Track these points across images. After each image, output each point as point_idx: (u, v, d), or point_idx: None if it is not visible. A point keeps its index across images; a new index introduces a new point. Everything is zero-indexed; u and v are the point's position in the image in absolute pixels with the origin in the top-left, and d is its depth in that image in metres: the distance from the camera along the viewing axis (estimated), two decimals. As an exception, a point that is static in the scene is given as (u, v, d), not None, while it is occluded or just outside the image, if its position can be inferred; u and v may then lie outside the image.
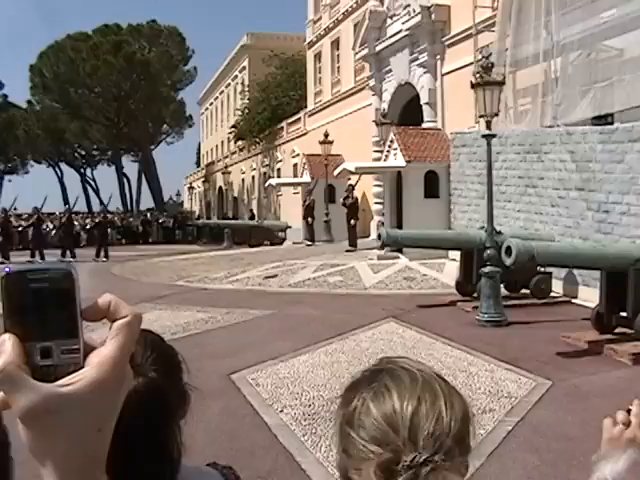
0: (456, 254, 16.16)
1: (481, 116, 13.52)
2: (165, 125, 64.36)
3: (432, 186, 20.99)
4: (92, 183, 74.24)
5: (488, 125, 13.04)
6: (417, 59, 24.47)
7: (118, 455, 1.51)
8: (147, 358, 1.56)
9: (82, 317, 0.69)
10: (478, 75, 13.12)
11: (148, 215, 51.92)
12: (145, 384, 1.51)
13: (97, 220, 36.75)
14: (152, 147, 62.63)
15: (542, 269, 13.58)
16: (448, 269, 17.58)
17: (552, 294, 14.28)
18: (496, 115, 13.26)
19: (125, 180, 67.64)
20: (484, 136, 13.06)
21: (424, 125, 23.63)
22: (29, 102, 66.25)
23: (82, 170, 73.37)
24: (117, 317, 0.70)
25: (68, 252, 31.68)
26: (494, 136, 13.22)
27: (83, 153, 70.96)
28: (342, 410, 1.25)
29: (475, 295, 13.62)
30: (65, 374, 0.66)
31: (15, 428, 0.95)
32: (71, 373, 0.67)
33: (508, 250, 10.61)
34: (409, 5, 24.22)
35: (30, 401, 0.64)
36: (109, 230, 46.21)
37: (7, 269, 0.67)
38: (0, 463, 1.06)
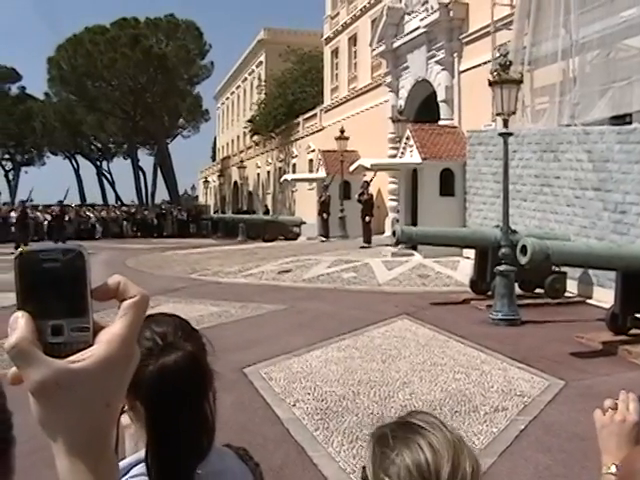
0: (470, 252, 16.14)
1: (498, 114, 13.46)
2: (181, 119, 64.42)
3: (447, 184, 20.94)
4: (108, 176, 74.63)
5: (505, 123, 12.99)
6: (434, 56, 24.39)
7: (164, 424, 1.56)
8: (178, 337, 1.62)
9: (92, 296, 0.71)
10: (496, 73, 13.09)
11: (163, 208, 52.08)
12: (184, 356, 1.59)
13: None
14: (168, 141, 62.71)
15: (557, 269, 13.54)
16: (462, 267, 17.55)
17: (567, 294, 14.23)
18: (513, 113, 13.22)
19: (141, 173, 67.82)
20: (501, 134, 13.02)
21: (440, 122, 23.55)
22: (46, 94, 66.50)
23: (98, 163, 73.68)
24: (126, 297, 0.72)
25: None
26: (511, 134, 13.18)
27: (99, 146, 71.22)
28: (377, 458, 1.44)
29: (489, 293, 13.61)
30: (75, 351, 0.69)
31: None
32: (81, 350, 0.69)
33: (523, 249, 10.59)
34: (427, 2, 24.15)
35: (42, 376, 0.66)
36: (125, 223, 46.59)
37: (20, 249, 0.70)
38: (3, 443, 1.07)
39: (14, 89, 72.92)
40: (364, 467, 1.47)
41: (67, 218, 41.93)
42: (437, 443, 1.39)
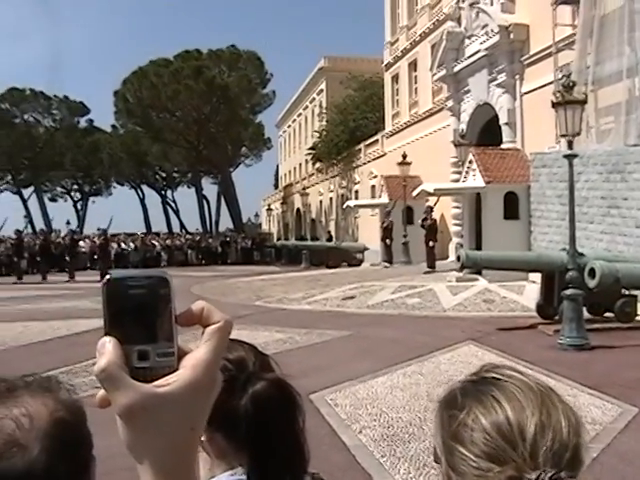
0: (536, 276, 15.88)
1: (562, 135, 13.31)
2: (244, 147, 65.11)
3: (512, 207, 20.73)
4: (173, 204, 75.89)
5: (570, 145, 12.83)
6: (496, 79, 24.26)
7: (264, 454, 1.57)
8: (254, 363, 1.64)
9: (177, 322, 0.73)
10: (559, 94, 12.94)
11: (227, 236, 52.65)
12: (273, 385, 1.59)
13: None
14: (231, 169, 63.45)
15: (627, 292, 13.24)
16: (528, 291, 17.28)
17: (638, 318, 13.88)
18: (578, 134, 13.04)
19: (205, 202, 68.77)
20: (566, 156, 12.85)
21: (503, 146, 23.38)
22: (113, 126, 68.39)
23: (163, 192, 75.03)
24: (209, 322, 0.74)
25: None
26: (576, 156, 12.99)
27: (164, 175, 72.60)
28: (445, 424, 1.15)
29: (557, 318, 13.35)
30: (160, 376, 0.71)
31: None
32: (166, 375, 0.71)
33: (591, 272, 10.42)
34: (487, 25, 24.09)
35: (129, 399, 0.69)
36: (189, 251, 47.21)
37: (108, 276, 0.72)
38: (83, 461, 1.12)
39: (83, 122, 75.25)
40: (435, 447, 1.19)
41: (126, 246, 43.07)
42: (518, 394, 1.11)
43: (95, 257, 37.90)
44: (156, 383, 0.70)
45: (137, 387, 0.69)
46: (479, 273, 19.33)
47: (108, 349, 0.70)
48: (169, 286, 0.73)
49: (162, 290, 0.72)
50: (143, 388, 0.69)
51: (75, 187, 78.63)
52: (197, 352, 0.72)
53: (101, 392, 0.71)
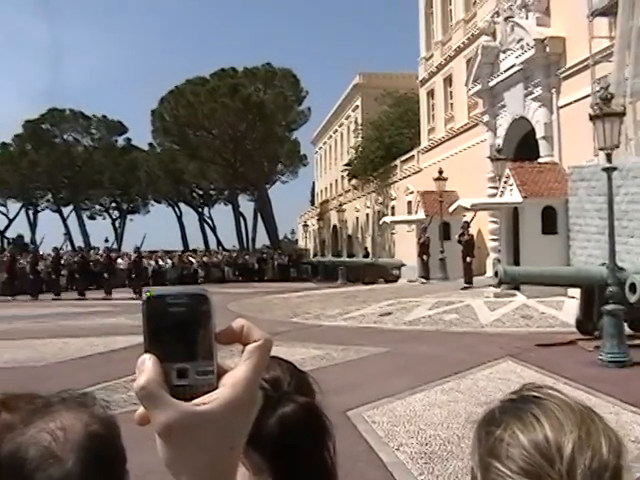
0: (575, 291, 15.69)
1: (601, 149, 13.18)
2: (280, 164, 65.36)
3: (550, 222, 20.54)
4: (209, 222, 76.43)
5: (608, 158, 12.69)
6: (532, 93, 24.12)
7: (289, 477, 1.56)
8: (289, 383, 1.63)
9: (216, 340, 0.72)
10: (597, 107, 12.83)
11: (264, 253, 52.87)
12: (303, 408, 1.58)
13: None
14: (267, 186, 63.72)
15: (669, 307, 13.01)
16: (567, 307, 17.07)
17: (680, 333, 13.64)
18: (616, 147, 12.90)
19: (241, 218, 69.15)
20: (604, 169, 12.71)
21: (540, 160, 23.19)
22: (150, 144, 69.14)
23: (200, 209, 75.61)
24: (249, 340, 0.73)
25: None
26: (615, 169, 12.84)
27: (201, 193, 73.11)
28: (482, 441, 1.13)
29: (597, 334, 13.15)
30: (200, 394, 0.70)
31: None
32: (205, 393, 0.70)
33: (632, 287, 10.27)
34: (522, 39, 23.98)
35: (168, 418, 0.68)
36: (226, 268, 47.45)
37: (148, 293, 0.72)
38: (117, 475, 1.15)
39: (121, 141, 76.23)
40: (472, 467, 1.16)
41: (145, 264, 43.47)
42: (557, 412, 1.08)
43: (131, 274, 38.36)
44: (195, 401, 0.70)
45: (176, 405, 0.69)
46: (517, 289, 19.15)
47: (148, 367, 0.70)
48: (209, 303, 0.72)
49: (202, 307, 0.72)
50: (182, 406, 0.69)
51: (113, 205, 79.64)
52: (237, 370, 0.72)
53: (140, 409, 0.70)
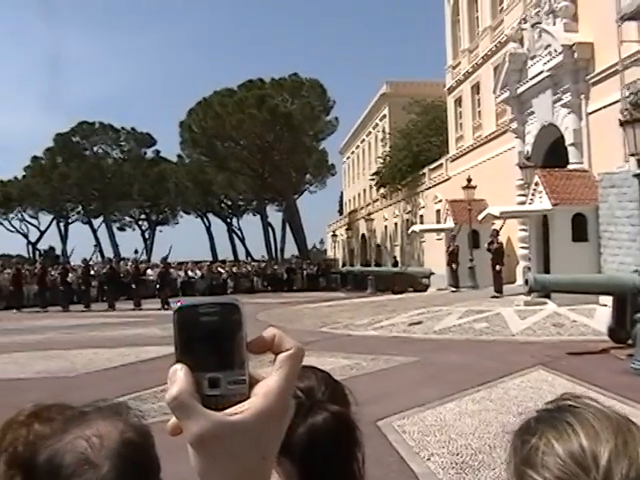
0: (607, 299, 15.51)
1: (632, 155, 13.07)
2: (308, 174, 65.53)
3: (580, 229, 20.36)
4: (238, 232, 76.79)
5: (639, 164, 12.57)
6: (560, 99, 23.95)
7: None
8: (323, 393, 1.63)
9: (248, 349, 0.72)
10: (627, 112, 12.75)
11: (293, 263, 52.97)
12: (332, 417, 1.58)
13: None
14: (296, 196, 63.87)
15: (703, 314, 12.82)
16: (599, 315, 16.88)
17: None
18: (647, 153, 12.78)
19: (270, 229, 69.41)
20: (635, 175, 12.61)
21: (570, 167, 23.01)
22: (179, 156, 69.70)
23: (228, 220, 75.98)
24: (281, 350, 0.73)
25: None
26: (646, 175, 12.72)
27: (229, 203, 73.59)
28: (517, 450, 1.12)
29: (630, 342, 13.00)
30: (231, 404, 0.70)
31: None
32: (237, 403, 0.70)
33: (665, 294, 10.13)
34: (550, 45, 23.84)
35: (201, 428, 0.68)
36: (255, 278, 47.56)
37: (179, 303, 0.73)
38: None
39: (149, 153, 77.03)
40: (507, 478, 1.15)
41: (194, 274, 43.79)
42: (593, 421, 1.06)
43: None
44: (227, 411, 0.69)
45: (209, 415, 0.68)
46: (548, 297, 18.99)
47: (179, 377, 0.70)
48: (240, 313, 0.72)
49: (233, 317, 0.72)
50: (215, 416, 0.69)
51: (143, 216, 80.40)
52: (269, 380, 0.72)
53: (172, 420, 0.70)
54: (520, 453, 1.10)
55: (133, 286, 35.49)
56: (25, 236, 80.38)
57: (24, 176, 74.48)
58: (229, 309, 0.72)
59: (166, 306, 31.06)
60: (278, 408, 0.71)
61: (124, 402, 1.21)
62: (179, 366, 0.71)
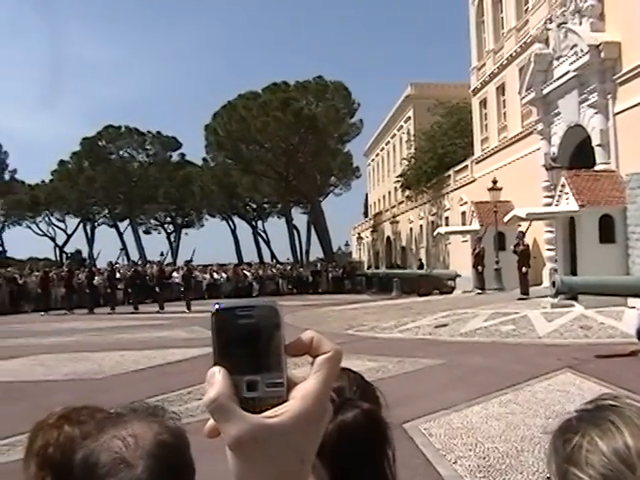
0: (636, 301, 15.35)
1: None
2: (333, 177, 65.61)
3: (607, 230, 20.19)
4: (263, 235, 76.99)
5: (667, 165, 12.45)
6: (587, 100, 23.76)
7: None
8: (354, 392, 1.64)
9: (286, 352, 0.72)
10: (654, 113, 12.60)
11: (318, 265, 53.00)
12: (362, 414, 1.59)
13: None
14: (320, 199, 63.94)
15: None
16: (628, 317, 16.67)
17: None
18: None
19: (295, 231, 69.53)
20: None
21: (597, 167, 22.83)
22: (204, 159, 70.14)
23: (254, 222, 76.23)
24: (319, 352, 0.73)
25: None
26: (674, 176, 12.59)
27: (254, 206, 73.86)
28: (559, 449, 1.12)
29: (659, 344, 12.87)
30: (269, 407, 0.70)
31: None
32: (275, 406, 0.70)
33: (694, 296, 10.02)
34: (576, 45, 23.67)
35: (239, 431, 0.68)
36: (280, 281, 47.65)
37: (217, 306, 0.72)
38: None
39: (175, 156, 77.45)
40: (548, 477, 1.15)
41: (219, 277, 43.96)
42: (636, 419, 1.07)
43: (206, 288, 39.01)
44: (266, 414, 0.69)
45: (247, 418, 0.68)
46: (575, 299, 18.85)
47: (218, 379, 0.70)
48: (278, 315, 0.72)
49: (271, 320, 0.72)
50: (253, 419, 0.68)
51: (168, 219, 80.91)
52: (307, 383, 0.71)
53: (210, 422, 0.70)
54: (563, 452, 1.10)
55: (157, 289, 35.71)
56: (53, 239, 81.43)
57: (51, 180, 75.37)
58: (267, 311, 0.72)
59: (190, 308, 31.27)
60: (316, 411, 0.71)
61: (160, 405, 1.22)
62: (217, 369, 0.71)
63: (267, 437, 0.68)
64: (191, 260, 40.02)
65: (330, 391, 0.73)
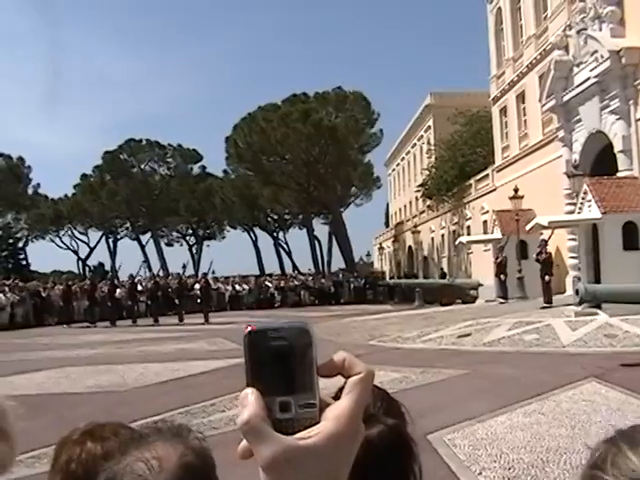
0: (662, 309, 15.24)
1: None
2: (353, 187, 65.62)
3: (631, 237, 20.06)
4: (285, 246, 77.09)
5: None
6: (608, 106, 23.64)
7: None
8: (379, 408, 1.64)
9: (318, 373, 0.72)
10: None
11: (340, 276, 52.99)
12: (387, 430, 1.58)
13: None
14: (341, 209, 63.99)
15: None
16: (653, 325, 16.57)
17: None
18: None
19: (316, 242, 69.56)
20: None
21: (619, 174, 22.68)
22: (225, 171, 70.47)
23: (275, 234, 76.37)
24: (351, 373, 0.72)
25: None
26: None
27: (275, 217, 73.98)
28: (588, 459, 1.10)
29: (686, 352, 12.74)
30: (302, 428, 0.70)
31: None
32: (308, 427, 0.70)
33: None
34: (596, 51, 23.57)
35: (272, 452, 0.68)
36: (302, 292, 47.63)
37: (249, 327, 0.72)
38: None
39: (196, 169, 77.83)
40: None
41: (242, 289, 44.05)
42: None
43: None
44: (299, 435, 0.69)
45: (280, 439, 0.68)
46: (599, 307, 18.68)
47: (251, 401, 0.70)
48: (311, 336, 0.72)
49: (304, 340, 0.72)
50: (286, 440, 0.68)
51: (190, 232, 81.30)
52: (340, 403, 0.71)
53: (243, 443, 0.70)
54: (590, 460, 1.09)
55: (176, 301, 35.86)
56: (75, 252, 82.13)
57: (74, 194, 76.04)
58: (299, 332, 0.72)
59: (207, 320, 31.52)
60: (349, 432, 0.70)
61: (184, 424, 1.22)
62: (250, 390, 0.71)
63: (301, 458, 0.68)
64: (208, 272, 40.18)
65: (362, 412, 0.72)
